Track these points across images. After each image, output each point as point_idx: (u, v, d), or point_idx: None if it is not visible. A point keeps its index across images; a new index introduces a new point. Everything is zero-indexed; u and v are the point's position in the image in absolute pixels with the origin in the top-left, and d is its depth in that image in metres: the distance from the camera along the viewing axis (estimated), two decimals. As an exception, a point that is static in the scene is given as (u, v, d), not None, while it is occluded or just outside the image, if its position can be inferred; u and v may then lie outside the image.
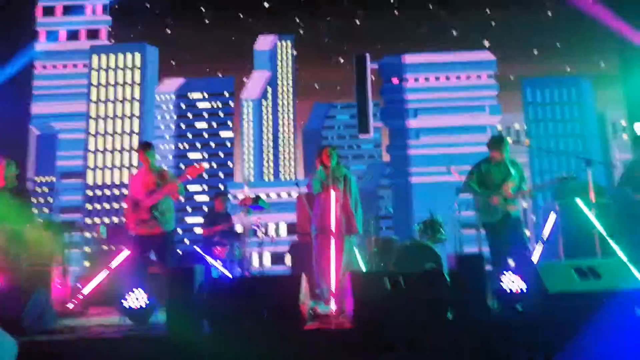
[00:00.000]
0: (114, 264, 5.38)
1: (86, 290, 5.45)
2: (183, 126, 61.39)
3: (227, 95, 61.70)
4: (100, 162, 51.13)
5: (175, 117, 61.33)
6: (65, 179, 50.29)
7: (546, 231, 5.76)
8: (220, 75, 63.20)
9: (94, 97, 51.60)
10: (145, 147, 5.09)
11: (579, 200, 5.37)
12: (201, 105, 61.61)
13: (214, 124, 61.38)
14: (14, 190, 5.07)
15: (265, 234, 6.59)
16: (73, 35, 52.23)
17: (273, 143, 66.29)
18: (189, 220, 51.48)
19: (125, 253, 5.22)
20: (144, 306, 4.20)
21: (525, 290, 4.02)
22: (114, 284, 5.39)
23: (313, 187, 4.87)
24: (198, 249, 6.08)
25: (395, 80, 49.40)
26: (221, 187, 52.50)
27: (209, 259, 5.93)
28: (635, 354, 3.03)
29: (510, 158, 5.14)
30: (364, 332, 3.52)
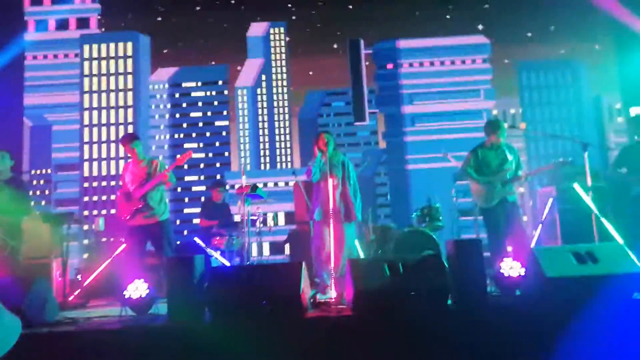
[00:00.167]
0: (116, 254, 5.38)
1: (88, 280, 5.45)
2: (178, 115, 60.92)
3: (221, 83, 61.21)
4: (95, 154, 50.83)
5: (169, 106, 60.82)
6: (61, 172, 50.04)
7: (544, 216, 5.79)
8: (213, 63, 62.64)
9: (86, 88, 51.09)
10: (129, 139, 5.08)
11: (576, 185, 5.39)
12: (195, 94, 61.10)
13: (209, 113, 60.94)
14: (9, 182, 5.05)
15: (264, 223, 6.59)
16: (63, 25, 51.47)
17: (269, 131, 66.00)
18: (187, 210, 51.39)
19: (124, 246, 5.21)
20: (144, 296, 4.22)
21: (523, 275, 4.05)
22: (114, 276, 5.40)
23: (313, 174, 4.84)
24: (198, 240, 6.08)
25: (389, 66, 49.13)
26: (218, 176, 52.34)
27: (208, 249, 5.94)
28: (633, 337, 3.07)
29: (507, 143, 5.14)
30: (364, 319, 3.55)
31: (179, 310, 3.67)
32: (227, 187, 7.41)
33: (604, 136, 50.55)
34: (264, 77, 66.67)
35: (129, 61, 51.93)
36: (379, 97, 48.68)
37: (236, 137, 63.04)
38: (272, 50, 66.91)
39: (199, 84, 61.05)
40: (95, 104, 51.16)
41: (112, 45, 51.60)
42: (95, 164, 50.73)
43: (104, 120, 51.27)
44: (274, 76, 67.25)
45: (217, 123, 61.24)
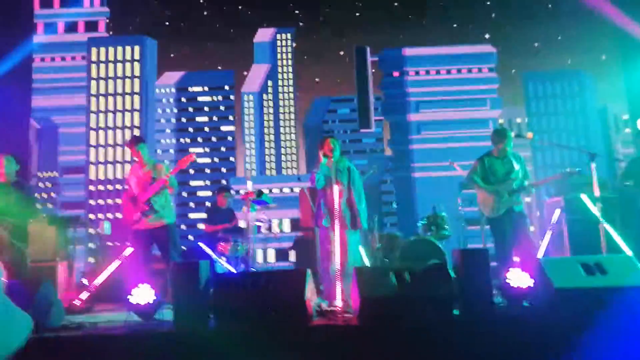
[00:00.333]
0: (124, 256, 5.38)
1: (95, 283, 5.45)
2: (184, 120, 61.22)
3: (227, 88, 61.48)
4: (102, 157, 51.07)
5: (176, 110, 61.15)
6: (68, 174, 50.31)
7: (551, 226, 5.75)
8: (220, 68, 62.92)
9: (93, 91, 51.46)
10: (135, 142, 5.04)
11: (584, 196, 5.36)
12: (202, 98, 61.39)
13: (215, 118, 61.19)
14: (15, 185, 5.08)
15: (269, 230, 6.58)
16: (72, 27, 52.03)
17: (275, 137, 66.10)
18: (192, 215, 51.49)
19: (131, 249, 5.22)
20: (150, 302, 4.21)
21: (531, 286, 4.02)
22: (120, 280, 5.40)
23: (317, 181, 4.74)
24: (203, 246, 6.07)
25: (396, 74, 49.22)
26: (223, 182, 52.52)
27: (213, 255, 5.93)
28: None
29: (514, 152, 5.12)
30: (370, 327, 3.53)
31: (184, 316, 3.66)
32: (233, 192, 7.41)
33: (611, 147, 50.40)
34: (270, 83, 66.94)
35: (136, 65, 52.28)
36: (385, 105, 48.76)
37: (242, 142, 63.16)
38: (279, 56, 67.22)
39: (206, 88, 61.35)
40: (102, 107, 51.47)
41: (119, 49, 52.00)
42: (101, 167, 50.98)
43: (110, 124, 51.56)
44: (280, 82, 67.50)
45: (223, 128, 61.48)
